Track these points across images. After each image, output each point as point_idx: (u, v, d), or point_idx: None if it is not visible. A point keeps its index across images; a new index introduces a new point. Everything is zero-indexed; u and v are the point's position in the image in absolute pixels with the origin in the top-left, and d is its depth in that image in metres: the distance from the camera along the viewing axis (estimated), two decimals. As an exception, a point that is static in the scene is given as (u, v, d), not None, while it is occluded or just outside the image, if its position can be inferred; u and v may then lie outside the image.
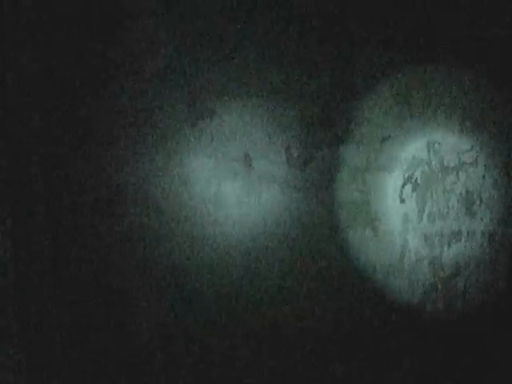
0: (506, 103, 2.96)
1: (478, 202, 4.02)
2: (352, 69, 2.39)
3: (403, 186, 2.94)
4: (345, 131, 2.40)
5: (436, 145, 3.29)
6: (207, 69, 2.09)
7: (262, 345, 2.17)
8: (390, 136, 2.70)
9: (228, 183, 2.02)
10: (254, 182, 2.00)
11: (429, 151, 3.21)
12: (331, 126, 2.32)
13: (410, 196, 3.02)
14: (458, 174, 3.62)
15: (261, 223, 2.06)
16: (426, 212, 3.26)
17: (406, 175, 2.97)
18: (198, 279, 2.07)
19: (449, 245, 3.65)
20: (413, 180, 3.05)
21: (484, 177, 3.56)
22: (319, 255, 2.21)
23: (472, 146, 3.48)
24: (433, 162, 3.30)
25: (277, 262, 2.04)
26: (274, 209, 2.07)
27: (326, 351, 2.30)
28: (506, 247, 4.71)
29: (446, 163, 3.48)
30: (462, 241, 3.82)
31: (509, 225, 4.03)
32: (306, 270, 2.14)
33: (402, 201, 2.94)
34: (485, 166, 3.50)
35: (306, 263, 2.14)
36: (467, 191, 3.83)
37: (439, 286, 3.54)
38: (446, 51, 2.65)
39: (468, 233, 3.93)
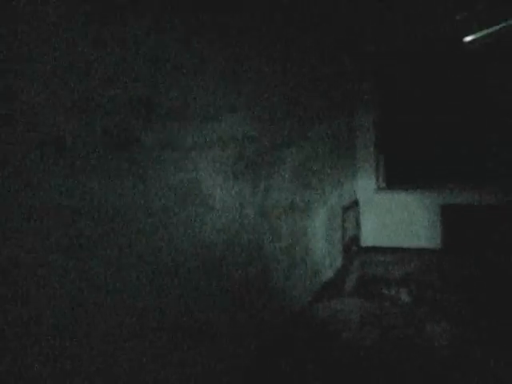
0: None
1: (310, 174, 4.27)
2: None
3: (235, 164, 2.97)
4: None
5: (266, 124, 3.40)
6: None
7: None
8: (219, 115, 2.70)
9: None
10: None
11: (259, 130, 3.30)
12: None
13: (243, 172, 3.08)
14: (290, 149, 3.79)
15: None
16: (261, 187, 3.36)
17: (237, 153, 3.00)
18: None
19: (286, 215, 3.82)
20: (245, 157, 3.10)
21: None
22: (154, 237, 2.11)
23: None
24: (263, 139, 3.40)
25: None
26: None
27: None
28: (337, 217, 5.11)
29: (275, 140, 3.62)
30: (296, 211, 4.04)
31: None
32: (145, 250, 2.03)
33: (236, 177, 2.97)
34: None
35: (145, 245, 2.03)
36: (298, 164, 4.05)
37: (280, 257, 3.68)
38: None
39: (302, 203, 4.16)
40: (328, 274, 4.93)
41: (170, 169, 2.26)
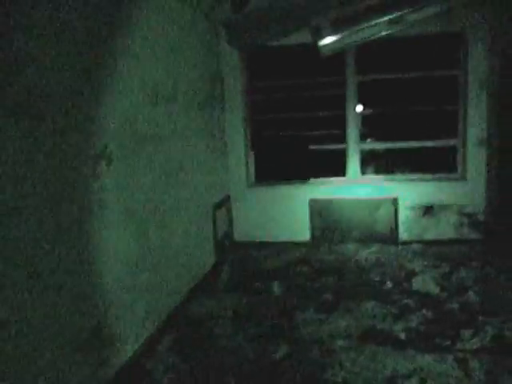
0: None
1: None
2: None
3: (96, 162, 2.79)
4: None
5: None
6: None
7: None
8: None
9: None
10: None
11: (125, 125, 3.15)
12: None
13: (106, 171, 2.90)
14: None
15: None
16: (127, 185, 3.20)
17: (98, 150, 2.82)
18: None
19: (154, 215, 3.70)
20: (107, 154, 2.93)
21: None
22: None
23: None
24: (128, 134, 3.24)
25: None
26: None
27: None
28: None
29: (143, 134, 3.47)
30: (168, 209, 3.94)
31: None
32: None
33: (97, 176, 2.79)
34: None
35: None
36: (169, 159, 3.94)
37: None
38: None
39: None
40: (201, 271, 4.91)
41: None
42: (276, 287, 4.66)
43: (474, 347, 3.36)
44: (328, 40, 3.04)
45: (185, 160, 4.47)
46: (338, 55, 5.49)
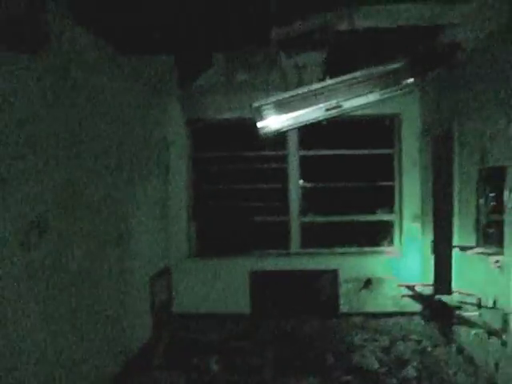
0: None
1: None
2: None
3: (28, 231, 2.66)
4: None
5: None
6: None
7: None
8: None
9: None
10: None
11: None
12: None
13: (38, 241, 2.77)
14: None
15: None
16: (59, 255, 3.05)
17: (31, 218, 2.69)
18: None
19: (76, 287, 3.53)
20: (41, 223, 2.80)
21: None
22: None
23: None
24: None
25: None
26: None
27: None
28: None
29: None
30: None
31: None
32: None
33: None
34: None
35: None
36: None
37: None
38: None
39: None
40: (136, 345, 4.65)
41: None
42: (214, 364, 4.48)
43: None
44: (268, 122, 3.18)
45: (124, 229, 4.37)
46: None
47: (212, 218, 6.44)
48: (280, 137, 6.07)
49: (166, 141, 6.01)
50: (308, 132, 6.12)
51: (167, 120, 6.03)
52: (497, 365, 3.90)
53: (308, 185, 6.32)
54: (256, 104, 3.19)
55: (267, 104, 3.07)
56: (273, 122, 3.14)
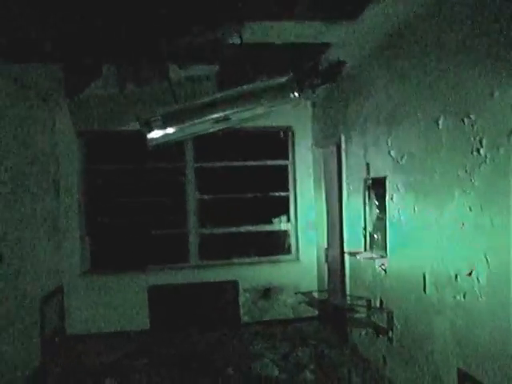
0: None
1: None
2: None
3: None
4: None
5: None
6: None
7: None
8: None
9: None
10: None
11: None
12: None
13: None
14: None
15: None
16: None
17: None
18: None
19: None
20: None
21: None
22: None
23: None
24: None
25: None
26: None
27: None
28: None
29: None
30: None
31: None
32: None
33: None
34: None
35: None
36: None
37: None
38: None
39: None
40: (23, 374, 4.29)
41: None
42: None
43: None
44: (156, 134, 3.13)
45: (7, 249, 4.03)
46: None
47: (107, 233, 6.18)
48: (176, 149, 6.03)
49: (55, 154, 5.68)
50: (205, 144, 6.14)
51: (56, 131, 5.71)
52: (385, 359, 4.17)
53: (205, 197, 6.32)
54: (144, 116, 3.13)
55: (155, 116, 3.03)
56: (161, 134, 3.10)
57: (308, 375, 4.40)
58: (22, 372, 4.28)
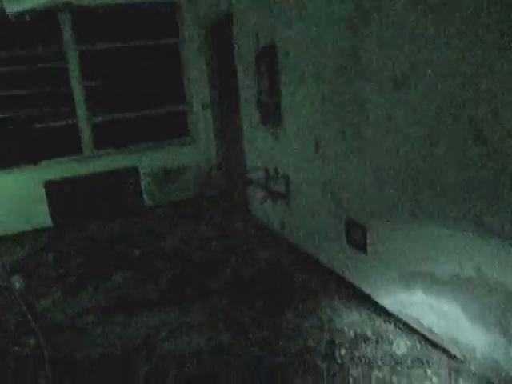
0: None
1: None
2: None
3: None
4: None
5: None
6: None
7: None
8: None
9: None
10: None
11: None
12: None
13: None
14: None
15: None
16: None
17: None
18: None
19: None
20: None
21: None
22: None
23: None
24: None
25: None
26: None
27: None
28: None
29: None
30: None
31: None
32: None
33: None
34: None
35: None
36: None
37: None
38: None
39: None
40: None
41: None
42: (17, 282, 4.21)
43: (218, 289, 3.69)
44: (13, 3, 2.76)
45: None
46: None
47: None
48: (51, 32, 5.46)
49: None
50: (84, 24, 5.60)
51: None
52: (282, 223, 4.50)
53: (93, 83, 5.90)
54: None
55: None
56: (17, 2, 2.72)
57: (214, 246, 4.64)
58: None
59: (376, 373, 2.49)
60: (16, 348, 3.14)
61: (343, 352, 2.72)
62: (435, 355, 2.58)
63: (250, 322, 3.15)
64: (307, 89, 3.59)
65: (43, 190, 5.67)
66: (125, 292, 3.82)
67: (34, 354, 3.04)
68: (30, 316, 3.53)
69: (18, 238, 5.49)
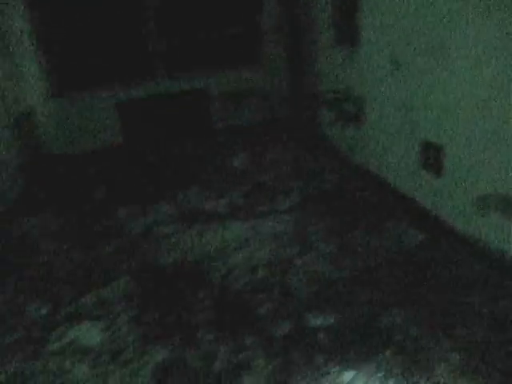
0: None
1: None
2: None
3: None
4: None
5: None
6: None
7: None
8: None
9: None
10: None
11: None
12: None
13: None
14: None
15: None
16: None
17: None
18: None
19: None
20: None
21: None
22: None
23: None
24: None
25: None
26: None
27: None
28: None
29: None
30: None
31: None
32: None
33: None
34: None
35: None
36: None
37: None
38: None
39: None
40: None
41: None
42: (100, 192, 4.55)
43: (287, 207, 3.80)
44: None
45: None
46: None
47: (68, 55, 5.82)
48: None
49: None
50: None
51: None
52: (353, 146, 4.45)
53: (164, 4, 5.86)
54: None
55: None
56: None
57: (284, 169, 4.70)
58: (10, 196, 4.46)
59: (447, 295, 2.54)
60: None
61: (411, 272, 2.77)
62: (506, 279, 2.58)
63: (317, 237, 3.25)
64: (389, 3, 3.40)
65: (116, 110, 5.87)
66: (199, 205, 4.02)
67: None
68: (111, 223, 3.82)
69: (93, 155, 5.80)
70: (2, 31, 5.17)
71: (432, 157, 3.14)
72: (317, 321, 2.41)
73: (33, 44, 5.50)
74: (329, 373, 2.07)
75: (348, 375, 2.05)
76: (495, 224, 2.66)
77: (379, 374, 2.03)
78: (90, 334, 2.52)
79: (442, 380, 1.97)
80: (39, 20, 5.54)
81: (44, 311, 2.77)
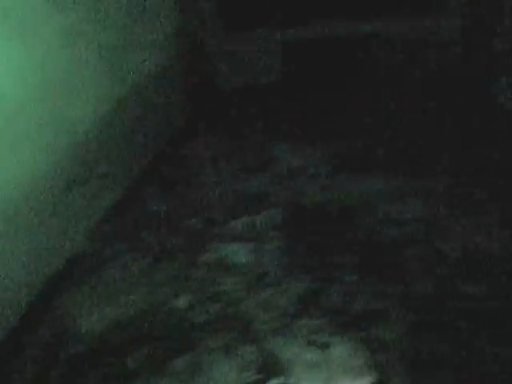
0: None
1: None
2: None
3: None
4: None
5: None
6: None
7: None
8: None
9: None
10: None
11: None
12: None
13: None
14: None
15: None
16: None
17: None
18: None
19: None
20: None
21: None
22: None
23: None
24: None
25: None
26: None
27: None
28: None
29: None
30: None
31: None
32: None
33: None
34: None
35: None
36: None
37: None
38: None
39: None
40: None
41: None
42: (257, 126, 4.72)
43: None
44: None
45: None
46: None
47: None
48: None
49: None
50: None
51: None
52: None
53: None
54: None
55: None
56: None
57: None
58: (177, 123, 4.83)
59: None
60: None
61: None
62: None
63: (480, 200, 3.01)
64: None
65: (280, 49, 5.91)
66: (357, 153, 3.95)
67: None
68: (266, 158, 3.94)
69: (257, 91, 5.97)
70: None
71: None
72: (467, 288, 2.27)
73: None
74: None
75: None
76: None
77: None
78: (238, 253, 2.70)
79: None
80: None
81: (200, 225, 3.03)
